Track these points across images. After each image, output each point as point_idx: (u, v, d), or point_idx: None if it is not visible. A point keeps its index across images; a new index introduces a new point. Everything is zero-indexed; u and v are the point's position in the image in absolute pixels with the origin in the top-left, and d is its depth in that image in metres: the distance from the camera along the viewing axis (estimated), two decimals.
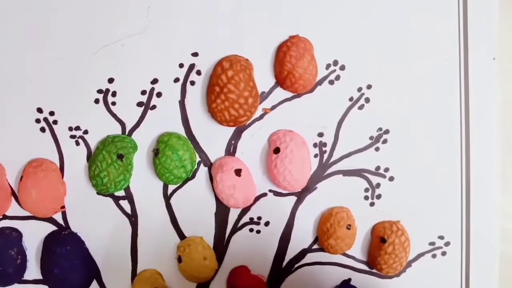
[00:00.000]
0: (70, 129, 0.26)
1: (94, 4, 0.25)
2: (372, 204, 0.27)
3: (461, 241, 0.27)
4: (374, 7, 0.25)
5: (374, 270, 0.27)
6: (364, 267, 0.27)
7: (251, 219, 0.27)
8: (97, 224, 0.26)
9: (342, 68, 0.26)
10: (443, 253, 0.27)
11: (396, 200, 0.27)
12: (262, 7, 0.25)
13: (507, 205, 0.27)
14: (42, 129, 0.26)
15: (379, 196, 0.27)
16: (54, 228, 0.27)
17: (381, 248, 0.26)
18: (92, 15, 0.25)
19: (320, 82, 0.26)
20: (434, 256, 0.27)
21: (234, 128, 0.26)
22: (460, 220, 0.27)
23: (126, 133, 0.26)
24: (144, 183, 0.26)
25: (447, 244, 0.27)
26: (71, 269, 0.26)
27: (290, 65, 0.25)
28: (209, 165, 0.26)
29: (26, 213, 0.26)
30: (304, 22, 0.25)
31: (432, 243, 0.27)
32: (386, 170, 0.26)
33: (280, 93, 0.26)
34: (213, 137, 0.26)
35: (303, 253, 0.27)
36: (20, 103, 0.25)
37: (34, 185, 0.25)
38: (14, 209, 0.26)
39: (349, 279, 0.27)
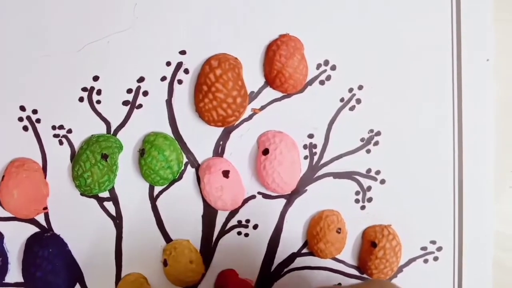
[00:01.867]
0: (54, 128, 0.25)
1: (80, 0, 0.24)
2: (363, 207, 0.26)
3: (453, 246, 0.26)
4: (367, 7, 0.25)
5: (364, 275, 0.27)
6: (354, 272, 0.27)
7: (239, 221, 0.26)
8: (80, 226, 0.26)
9: (333, 68, 0.25)
10: (435, 258, 0.26)
11: (388, 203, 0.26)
12: (252, 5, 0.24)
13: (501, 210, 0.26)
14: (25, 128, 0.25)
15: (370, 199, 0.26)
16: (36, 229, 0.26)
17: (371, 253, 0.26)
18: (78, 12, 0.24)
19: (310, 82, 0.25)
20: (426, 261, 0.26)
21: (222, 128, 0.25)
22: (453, 224, 0.26)
23: (111, 132, 0.25)
24: (129, 184, 0.26)
25: (439, 249, 0.26)
26: (53, 272, 0.25)
27: (280, 64, 0.24)
28: (197, 166, 0.26)
29: (7, 214, 0.26)
30: (294, 21, 0.25)
31: (424, 248, 0.26)
32: (378, 172, 0.26)
33: (270, 93, 0.25)
34: (200, 137, 0.25)
35: (292, 257, 0.27)
36: (2, 101, 0.25)
37: (16, 185, 0.25)
38: None
39: (339, 284, 0.27)
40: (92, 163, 0.24)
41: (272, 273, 0.27)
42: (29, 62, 0.24)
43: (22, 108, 0.25)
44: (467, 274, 0.26)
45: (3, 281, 0.26)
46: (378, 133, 0.26)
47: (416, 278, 0.26)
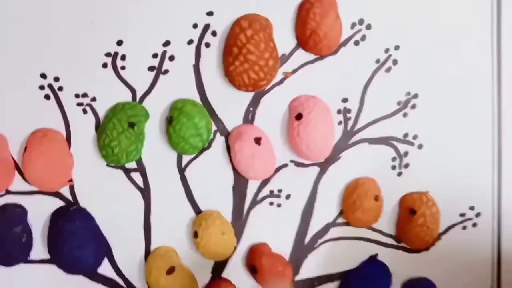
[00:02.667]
0: (77, 96, 0.25)
1: None
2: (399, 174, 0.26)
3: (492, 212, 0.26)
4: None
5: (402, 244, 0.26)
6: (391, 241, 0.27)
7: (271, 191, 0.26)
8: (107, 199, 0.26)
9: (368, 27, 0.25)
10: (474, 225, 0.26)
11: (425, 169, 0.26)
12: None
13: None
14: (47, 97, 0.25)
15: (407, 166, 0.26)
16: (61, 203, 0.26)
17: (411, 221, 0.25)
18: None
19: (344, 43, 0.25)
20: (464, 228, 0.26)
21: (252, 93, 0.25)
22: (492, 190, 0.26)
23: (137, 100, 0.25)
24: (156, 154, 0.25)
25: (478, 215, 0.26)
26: (80, 247, 0.25)
27: (314, 23, 0.23)
28: (226, 134, 0.25)
29: (31, 188, 0.25)
30: None
31: (462, 215, 0.26)
32: (415, 137, 0.26)
33: (302, 56, 0.25)
34: (230, 103, 0.25)
35: (326, 227, 0.26)
36: (22, 69, 0.24)
37: (39, 157, 0.24)
38: (18, 183, 0.25)
39: (376, 255, 0.26)
40: (119, 131, 0.24)
41: (307, 246, 0.26)
42: (50, 27, 0.24)
43: (43, 76, 0.24)
44: (506, 240, 0.26)
45: (28, 258, 0.26)
46: (416, 96, 0.25)
47: (455, 245, 0.26)
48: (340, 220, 0.26)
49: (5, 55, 0.24)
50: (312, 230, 0.26)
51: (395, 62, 0.25)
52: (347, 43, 0.25)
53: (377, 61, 0.25)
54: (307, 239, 0.26)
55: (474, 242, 0.26)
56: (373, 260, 0.26)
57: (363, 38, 0.24)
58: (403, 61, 0.25)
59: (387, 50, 0.25)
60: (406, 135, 0.25)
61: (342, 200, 0.26)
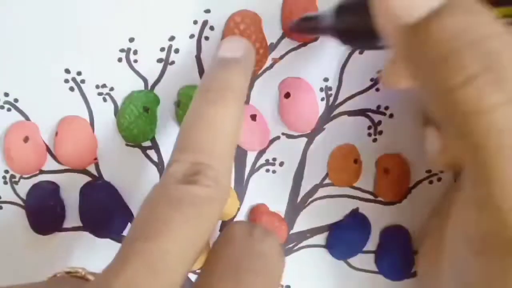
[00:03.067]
0: (97, 87, 0.27)
1: None
2: (374, 140, 0.29)
3: None
4: None
5: (378, 198, 0.30)
6: (369, 196, 0.30)
7: (267, 160, 0.29)
8: (127, 173, 0.29)
9: None
10: (439, 179, 0.30)
11: (396, 135, 0.29)
12: None
13: None
14: (71, 89, 0.27)
15: (380, 132, 0.29)
16: (88, 178, 0.29)
17: (385, 178, 0.29)
18: None
19: None
20: (431, 182, 0.30)
21: None
22: None
23: (149, 88, 0.28)
24: (168, 133, 0.28)
25: (442, 171, 0.30)
26: (108, 214, 0.29)
27: (297, 16, 0.27)
28: None
29: (60, 167, 0.28)
30: None
31: (428, 171, 0.30)
32: (386, 108, 0.29)
33: (287, 44, 0.28)
34: None
35: (315, 188, 0.30)
36: (48, 65, 0.27)
37: (69, 140, 0.28)
38: (49, 163, 0.28)
39: (357, 208, 0.30)
40: (136, 115, 0.27)
41: (298, 204, 0.30)
42: (70, 29, 0.27)
43: (67, 71, 0.27)
44: None
45: (62, 227, 0.29)
46: None
47: (423, 197, 0.30)
48: (326, 181, 0.30)
49: (33, 54, 0.27)
50: (303, 191, 0.30)
51: None
52: None
53: None
54: (299, 199, 0.30)
55: (438, 193, 0.30)
56: (355, 213, 0.30)
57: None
58: None
59: None
60: (379, 106, 0.29)
61: (327, 164, 0.29)
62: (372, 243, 0.31)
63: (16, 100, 0.28)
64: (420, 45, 0.16)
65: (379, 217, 0.30)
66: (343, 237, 0.30)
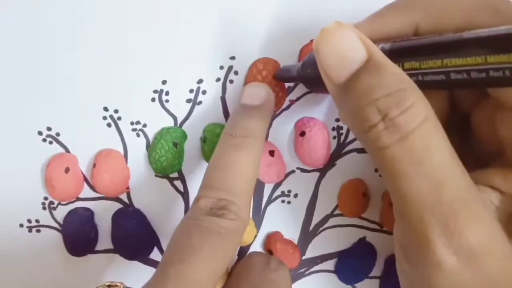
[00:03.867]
0: (132, 123, 0.30)
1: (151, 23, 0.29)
2: (381, 175, 0.32)
3: None
4: None
5: (384, 229, 0.33)
6: (376, 226, 0.33)
7: (283, 192, 0.32)
8: (156, 201, 0.31)
9: None
10: None
11: None
12: (287, 17, 0.30)
13: None
14: (109, 125, 0.30)
15: None
16: (120, 206, 0.31)
17: (390, 210, 0.32)
18: (148, 28, 0.29)
19: None
20: None
21: None
22: None
23: (178, 125, 0.30)
24: (194, 166, 0.31)
25: None
26: (137, 239, 0.31)
27: None
28: None
29: (95, 195, 0.31)
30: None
31: None
32: None
33: (303, 87, 0.30)
34: None
35: (326, 218, 0.32)
36: (89, 103, 0.30)
37: (105, 171, 0.30)
38: (86, 191, 0.31)
39: (364, 237, 0.33)
40: (166, 150, 0.30)
41: (310, 232, 0.33)
42: (110, 70, 0.29)
43: (106, 109, 0.30)
44: None
45: (95, 249, 0.32)
46: None
47: None
48: (336, 212, 0.32)
49: (76, 92, 0.29)
50: (315, 220, 0.32)
51: None
52: None
53: None
54: (311, 228, 0.32)
55: None
56: (362, 241, 0.32)
57: None
58: None
59: None
60: None
61: (337, 197, 0.32)
62: (377, 270, 0.33)
63: (58, 134, 0.30)
64: (342, 100, 0.21)
65: (384, 245, 0.33)
66: (351, 264, 0.33)
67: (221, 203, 0.24)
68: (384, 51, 0.21)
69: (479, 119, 0.26)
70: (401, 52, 0.21)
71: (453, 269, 0.19)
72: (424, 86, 0.20)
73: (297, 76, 0.27)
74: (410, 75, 0.20)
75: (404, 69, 0.20)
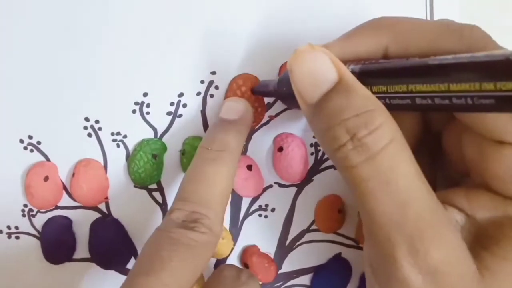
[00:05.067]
0: (112, 134, 0.30)
1: (136, 38, 0.30)
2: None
3: None
4: None
5: (360, 245, 0.33)
6: (352, 243, 0.33)
7: (260, 206, 0.32)
8: (134, 212, 0.31)
9: None
10: None
11: None
12: (267, 34, 0.30)
13: None
14: (89, 135, 0.30)
15: None
16: (99, 215, 0.31)
17: None
18: (130, 40, 0.30)
19: None
20: None
21: None
22: None
23: (158, 137, 0.31)
24: (173, 177, 0.31)
25: None
26: (114, 249, 0.31)
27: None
28: None
29: (74, 204, 0.31)
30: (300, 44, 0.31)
31: None
32: None
33: (282, 104, 0.31)
34: None
35: (302, 233, 0.33)
36: (70, 113, 0.30)
37: (84, 181, 0.31)
38: (65, 200, 0.31)
39: (340, 253, 0.33)
40: (145, 161, 0.31)
41: (287, 247, 0.33)
42: (92, 81, 0.30)
43: (87, 119, 0.30)
44: None
45: (72, 258, 0.32)
46: None
47: None
48: (313, 227, 0.32)
49: (57, 102, 0.30)
50: (291, 235, 0.32)
51: None
52: None
53: None
54: (287, 242, 0.32)
55: None
56: (337, 257, 0.33)
57: None
58: None
59: None
60: None
61: (314, 212, 0.32)
62: (352, 286, 0.33)
63: (39, 143, 0.31)
64: (314, 119, 0.21)
65: (359, 261, 0.33)
66: (326, 279, 0.33)
67: (194, 216, 0.24)
68: (353, 73, 0.22)
69: (449, 139, 0.26)
70: (369, 74, 0.22)
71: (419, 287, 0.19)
72: (392, 108, 0.21)
73: (274, 92, 0.28)
74: (379, 98, 0.20)
75: (372, 92, 0.21)
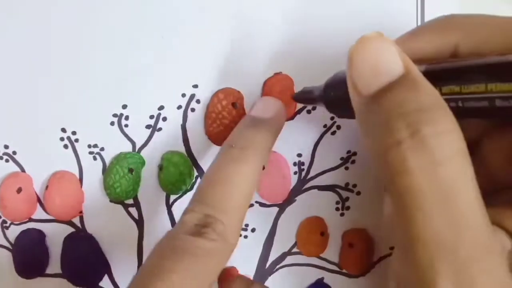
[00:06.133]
0: (89, 146, 0.30)
1: (112, 43, 0.29)
2: (342, 214, 0.31)
3: None
4: None
5: (343, 270, 0.32)
6: (335, 268, 0.32)
7: None
8: (109, 227, 0.31)
9: None
10: None
11: (363, 211, 0.31)
12: (252, 49, 0.30)
13: None
14: (65, 146, 0.30)
15: (348, 208, 0.31)
16: (72, 229, 0.31)
17: (350, 252, 0.31)
18: (111, 52, 0.29)
19: (299, 111, 0.30)
20: None
21: None
22: None
23: (136, 150, 0.30)
24: (149, 193, 0.31)
25: None
26: (86, 265, 0.31)
27: (276, 96, 0.29)
28: None
29: (48, 217, 0.31)
30: (286, 62, 0.30)
31: (392, 247, 0.31)
32: (354, 186, 0.31)
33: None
34: (209, 155, 0.30)
35: (283, 256, 0.31)
36: (46, 124, 0.30)
37: (57, 193, 0.30)
38: (38, 213, 0.31)
39: (322, 278, 0.32)
40: (121, 175, 0.30)
41: (267, 269, 0.32)
42: (69, 92, 0.29)
43: (64, 130, 0.30)
44: None
45: (45, 272, 0.31)
46: (355, 153, 0.31)
47: (386, 272, 0.31)
48: (294, 250, 0.31)
49: (34, 112, 0.29)
50: (272, 257, 0.31)
51: (338, 127, 0.30)
52: (302, 111, 0.30)
53: (325, 126, 0.30)
54: (267, 264, 0.31)
55: None
56: (319, 282, 0.31)
57: (314, 108, 0.30)
58: (345, 126, 0.30)
59: (332, 118, 0.30)
60: (347, 184, 0.31)
61: (296, 234, 0.31)
62: None
63: (14, 153, 0.30)
64: (367, 113, 0.19)
65: (342, 287, 0.32)
66: None
67: (207, 220, 0.22)
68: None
69: (492, 147, 0.24)
70: (438, 74, 0.19)
71: None
72: (464, 114, 0.18)
73: (319, 97, 0.26)
74: (448, 101, 0.18)
75: (441, 94, 0.18)
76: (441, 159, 0.16)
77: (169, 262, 0.21)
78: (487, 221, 0.17)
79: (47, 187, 0.30)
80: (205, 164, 0.31)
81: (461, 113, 0.18)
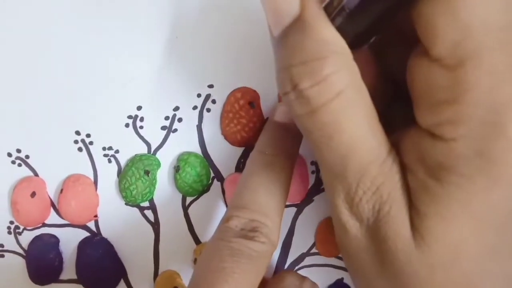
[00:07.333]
0: (104, 149, 0.29)
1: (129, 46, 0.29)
2: None
3: None
4: None
5: None
6: None
7: None
8: (124, 231, 0.30)
9: None
10: None
11: None
12: (266, 50, 0.29)
13: None
14: (80, 149, 0.29)
15: None
16: (87, 234, 0.30)
17: None
18: (125, 55, 0.29)
19: None
20: None
21: (243, 148, 0.30)
22: None
23: (151, 152, 0.30)
24: (165, 195, 0.30)
25: None
26: (102, 270, 0.30)
27: None
28: (222, 180, 0.30)
29: (62, 221, 0.30)
30: None
31: None
32: None
33: None
34: (225, 156, 0.30)
35: (302, 256, 0.31)
36: (61, 127, 0.29)
37: (72, 197, 0.29)
38: (52, 217, 0.30)
39: (342, 278, 0.31)
40: (137, 177, 0.29)
41: (285, 271, 0.31)
42: (84, 94, 0.29)
43: (78, 133, 0.29)
44: None
45: (59, 278, 0.31)
46: None
47: None
48: (313, 250, 0.31)
49: (47, 115, 0.29)
50: (290, 258, 0.31)
51: None
52: None
53: None
54: (286, 265, 0.31)
55: None
56: (339, 283, 0.31)
57: None
58: None
59: None
60: None
61: (315, 235, 0.31)
62: None
63: (27, 157, 0.30)
64: (274, 55, 0.21)
65: None
66: None
67: (252, 224, 0.23)
68: None
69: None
70: None
71: (357, 234, 0.21)
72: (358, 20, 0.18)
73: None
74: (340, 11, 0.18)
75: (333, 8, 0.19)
76: (317, 105, 0.19)
77: (229, 264, 0.22)
78: (381, 149, 0.20)
79: (61, 190, 0.29)
80: (221, 165, 0.30)
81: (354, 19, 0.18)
